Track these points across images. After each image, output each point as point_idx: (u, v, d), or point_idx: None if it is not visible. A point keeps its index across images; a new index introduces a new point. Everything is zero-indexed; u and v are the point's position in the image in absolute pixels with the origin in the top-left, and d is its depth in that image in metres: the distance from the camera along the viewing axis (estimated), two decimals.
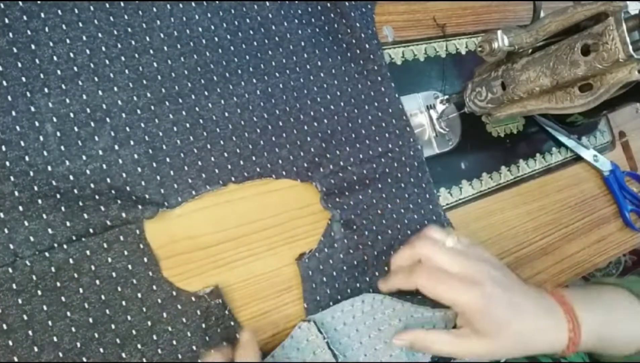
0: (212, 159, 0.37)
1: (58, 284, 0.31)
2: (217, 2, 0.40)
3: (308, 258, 0.39)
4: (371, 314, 0.39)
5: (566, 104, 0.42)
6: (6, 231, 0.30)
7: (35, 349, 0.30)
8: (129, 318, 0.32)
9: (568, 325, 0.36)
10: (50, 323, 0.30)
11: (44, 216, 0.31)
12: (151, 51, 0.36)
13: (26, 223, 0.30)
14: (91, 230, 0.32)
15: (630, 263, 1.16)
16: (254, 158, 0.39)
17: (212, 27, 0.39)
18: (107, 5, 0.35)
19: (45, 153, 0.32)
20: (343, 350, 0.37)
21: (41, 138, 0.32)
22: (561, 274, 0.53)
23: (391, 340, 0.38)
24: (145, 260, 0.33)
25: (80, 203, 0.32)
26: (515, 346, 0.36)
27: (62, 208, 0.31)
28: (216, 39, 0.39)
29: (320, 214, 0.41)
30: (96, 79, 0.34)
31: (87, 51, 0.34)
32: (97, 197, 0.33)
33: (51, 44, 0.33)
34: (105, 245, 0.32)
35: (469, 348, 0.36)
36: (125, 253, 0.33)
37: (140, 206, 0.33)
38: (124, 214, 0.33)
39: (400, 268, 0.39)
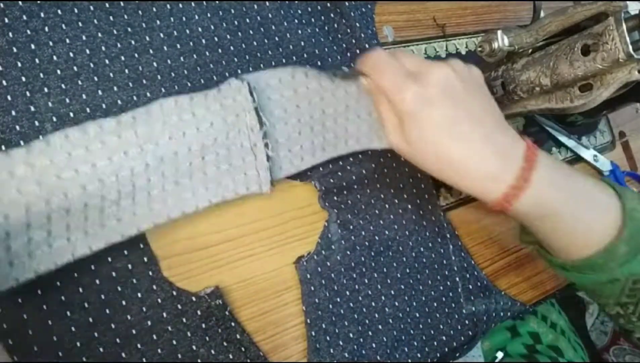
0: None
1: (58, 284, 0.31)
2: (217, 2, 0.40)
3: (306, 261, 0.39)
4: (310, 96, 0.36)
5: (566, 104, 0.42)
6: None
7: (35, 349, 0.30)
8: (128, 317, 0.32)
9: (515, 174, 0.32)
10: (49, 322, 0.30)
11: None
12: (151, 51, 0.36)
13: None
14: None
15: None
16: None
17: (212, 27, 0.39)
18: (107, 5, 0.35)
19: None
20: (274, 123, 0.35)
21: (41, 138, 0.32)
22: None
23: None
24: (145, 259, 0.33)
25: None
26: (437, 168, 0.33)
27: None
28: (216, 38, 0.39)
29: (321, 214, 0.41)
30: (96, 78, 0.34)
31: (87, 51, 0.34)
32: None
33: (51, 43, 0.33)
34: None
35: (395, 132, 0.34)
36: (125, 252, 0.33)
37: None
38: None
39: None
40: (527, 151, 0.33)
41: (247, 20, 0.41)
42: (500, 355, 0.46)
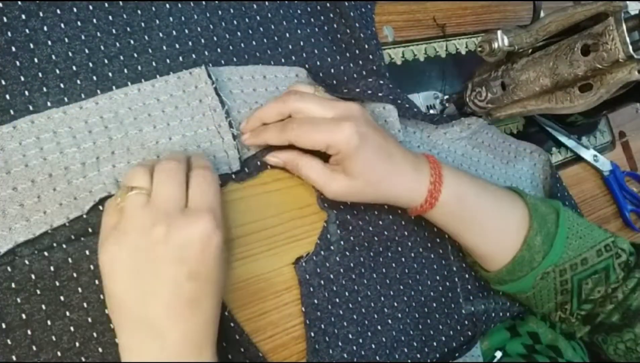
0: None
1: (57, 283, 0.31)
2: (216, 1, 0.40)
3: (305, 262, 0.38)
4: (267, 96, 0.39)
5: (566, 104, 0.42)
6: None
7: (34, 348, 0.30)
8: None
9: (430, 178, 0.37)
10: (49, 322, 0.30)
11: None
12: (150, 50, 0.36)
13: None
14: (90, 229, 0.32)
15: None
16: None
17: (211, 26, 0.39)
18: (106, 4, 0.35)
19: None
20: (237, 108, 0.37)
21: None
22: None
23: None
24: None
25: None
26: (375, 189, 0.36)
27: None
28: (215, 38, 0.39)
29: (320, 215, 0.41)
30: (95, 78, 0.34)
31: (86, 50, 0.34)
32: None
33: (50, 43, 0.33)
34: None
35: (332, 182, 0.36)
36: None
37: None
38: None
39: (271, 125, 0.37)
40: (429, 159, 0.39)
41: (247, 20, 0.41)
42: (499, 354, 0.46)
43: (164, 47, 0.37)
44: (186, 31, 0.38)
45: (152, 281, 0.27)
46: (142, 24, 0.36)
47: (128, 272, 0.27)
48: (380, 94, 0.41)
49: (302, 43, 0.43)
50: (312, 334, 0.37)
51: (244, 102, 0.38)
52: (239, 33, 0.40)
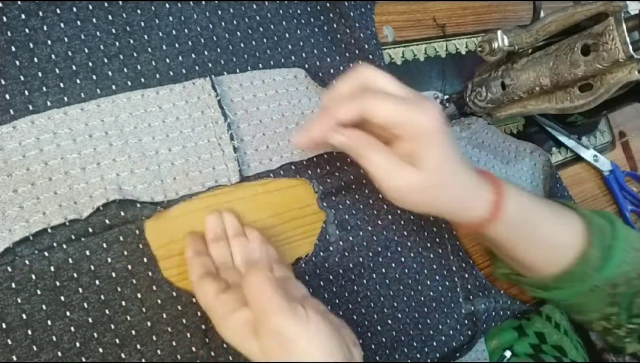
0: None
1: (57, 283, 0.31)
2: (216, 1, 0.40)
3: (304, 263, 0.38)
4: (268, 101, 0.39)
5: (566, 104, 0.42)
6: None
7: (34, 348, 0.30)
8: (128, 318, 0.32)
9: (492, 189, 0.34)
10: (49, 322, 0.30)
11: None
12: (149, 50, 0.36)
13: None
14: (90, 229, 0.32)
15: None
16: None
17: (211, 25, 0.39)
18: (106, 4, 0.35)
19: None
20: (237, 122, 0.37)
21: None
22: None
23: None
24: (145, 260, 0.33)
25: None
26: (444, 193, 0.32)
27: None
28: (215, 38, 0.39)
29: (320, 215, 0.41)
30: (94, 77, 0.34)
31: (86, 50, 0.34)
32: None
33: (49, 42, 0.33)
34: (104, 245, 0.32)
35: (398, 173, 0.31)
36: (125, 253, 0.33)
37: (138, 205, 0.33)
38: (122, 213, 0.33)
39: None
40: (492, 179, 0.35)
41: (246, 19, 0.41)
42: (508, 354, 0.46)
43: (164, 47, 0.37)
44: (186, 31, 0.38)
45: None
46: (142, 24, 0.36)
47: None
48: None
49: (301, 43, 0.43)
50: None
51: (245, 113, 0.38)
52: (238, 33, 0.40)
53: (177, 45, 0.37)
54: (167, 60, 0.37)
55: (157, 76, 0.36)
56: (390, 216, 0.43)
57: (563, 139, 0.57)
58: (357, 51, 0.45)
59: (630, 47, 0.35)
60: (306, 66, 0.43)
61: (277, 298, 0.27)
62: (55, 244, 0.31)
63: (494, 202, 0.34)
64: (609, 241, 0.37)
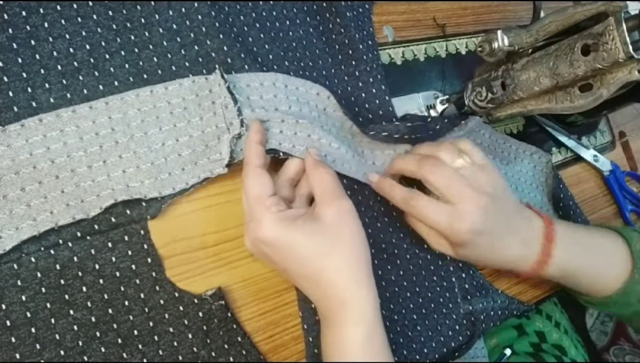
0: None
1: (62, 282, 0.31)
2: (213, 1, 0.40)
3: None
4: (299, 101, 0.39)
5: (566, 104, 0.42)
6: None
7: (38, 346, 0.30)
8: (131, 318, 0.32)
9: (543, 231, 0.39)
10: (53, 320, 0.30)
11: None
12: (151, 46, 0.36)
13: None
14: (96, 227, 0.32)
15: None
16: None
17: (213, 13, 0.39)
18: (106, 0, 0.35)
19: None
20: (247, 115, 0.36)
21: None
22: None
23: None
24: (149, 260, 0.33)
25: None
26: (485, 249, 0.38)
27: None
28: (217, 24, 0.38)
29: None
30: (97, 73, 0.34)
31: (87, 46, 0.34)
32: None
33: (51, 39, 0.33)
34: (109, 244, 0.32)
35: (447, 220, 0.37)
36: (129, 253, 0.33)
37: (144, 203, 0.34)
38: (128, 211, 0.33)
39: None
40: (545, 228, 0.40)
41: (242, 17, 0.41)
42: (508, 352, 0.47)
43: (165, 43, 0.37)
44: (187, 23, 0.38)
45: None
46: (142, 20, 0.36)
47: None
48: (396, 136, 0.42)
49: (294, 44, 0.43)
50: (310, 339, 0.37)
51: (263, 111, 0.37)
52: (235, 29, 0.40)
53: (178, 39, 0.37)
54: (169, 55, 0.37)
55: (160, 71, 0.36)
56: (386, 219, 0.43)
57: (563, 139, 0.58)
58: (350, 52, 0.45)
59: (630, 47, 0.35)
60: (302, 64, 0.43)
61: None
62: (61, 241, 0.31)
63: (543, 252, 0.38)
64: None
